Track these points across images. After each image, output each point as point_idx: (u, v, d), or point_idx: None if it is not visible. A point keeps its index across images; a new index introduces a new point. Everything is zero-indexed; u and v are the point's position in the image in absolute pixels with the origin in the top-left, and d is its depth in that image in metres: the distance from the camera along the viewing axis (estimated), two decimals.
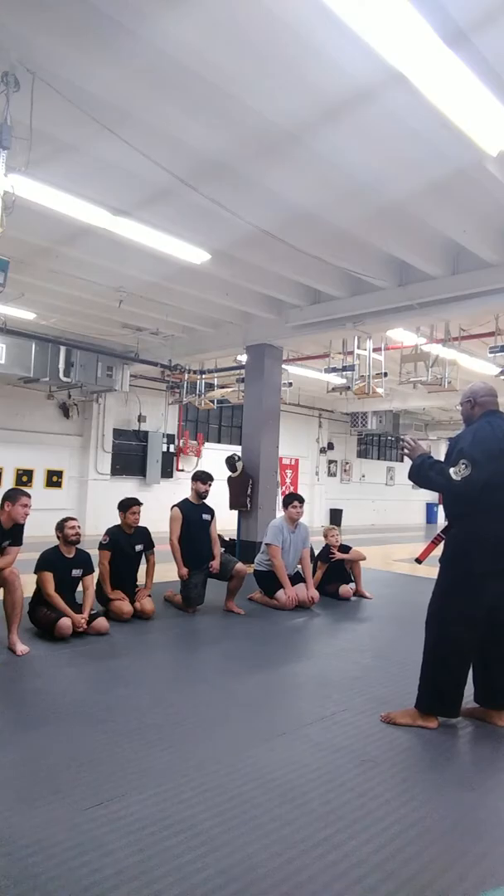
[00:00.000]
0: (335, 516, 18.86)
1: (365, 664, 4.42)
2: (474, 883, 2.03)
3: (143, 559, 5.67)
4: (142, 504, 5.65)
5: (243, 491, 9.68)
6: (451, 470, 3.10)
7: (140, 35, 3.60)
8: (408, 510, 22.68)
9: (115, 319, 10.23)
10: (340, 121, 4.39)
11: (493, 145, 4.22)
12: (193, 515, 5.91)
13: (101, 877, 1.97)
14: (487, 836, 2.32)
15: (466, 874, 2.08)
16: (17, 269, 6.63)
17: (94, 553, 5.21)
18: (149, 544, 5.64)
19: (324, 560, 6.85)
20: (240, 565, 5.90)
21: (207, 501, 6.09)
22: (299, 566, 6.44)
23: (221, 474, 8.73)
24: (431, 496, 22.29)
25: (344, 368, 10.56)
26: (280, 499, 7.93)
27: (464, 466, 3.05)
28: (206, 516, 5.98)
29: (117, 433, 14.15)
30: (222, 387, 13.31)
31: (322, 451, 19.39)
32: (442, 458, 3.33)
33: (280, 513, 6.86)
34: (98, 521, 11.66)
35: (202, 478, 6.02)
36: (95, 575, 5.13)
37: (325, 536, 6.99)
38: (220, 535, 6.20)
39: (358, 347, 10.11)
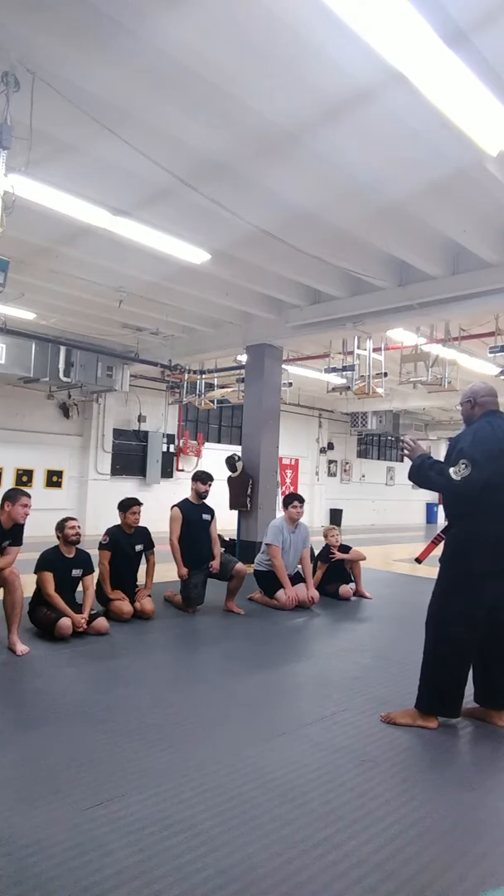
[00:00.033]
0: (335, 516, 18.86)
1: (365, 664, 4.42)
2: (474, 883, 2.03)
3: (143, 559, 5.67)
4: (142, 504, 5.65)
5: (243, 491, 9.68)
6: (451, 470, 3.10)
7: (140, 35, 3.60)
8: (408, 510, 22.68)
9: (115, 319, 10.23)
10: (340, 121, 4.39)
11: (493, 145, 4.22)
12: (193, 515, 5.91)
13: (101, 877, 1.97)
14: (487, 836, 2.32)
15: (466, 874, 2.08)
16: (17, 269, 6.63)
17: (94, 553, 5.21)
18: (149, 544, 5.64)
19: (324, 560, 6.85)
20: (240, 565, 5.90)
21: (207, 501, 6.09)
22: (299, 566, 6.44)
23: (221, 474, 8.73)
24: (431, 496, 22.30)
25: (344, 368, 10.56)
26: (280, 499, 7.93)
27: (464, 466, 3.05)
28: (206, 516, 5.98)
29: (117, 433, 14.15)
30: (222, 387, 13.31)
31: (322, 451, 19.39)
32: (442, 459, 3.33)
33: (280, 513, 6.86)
34: (98, 521, 11.66)
35: (202, 478, 6.02)
36: (95, 575, 5.13)
37: (325, 536, 6.99)
38: (220, 535, 6.20)
39: (358, 347, 10.11)
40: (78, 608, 4.79)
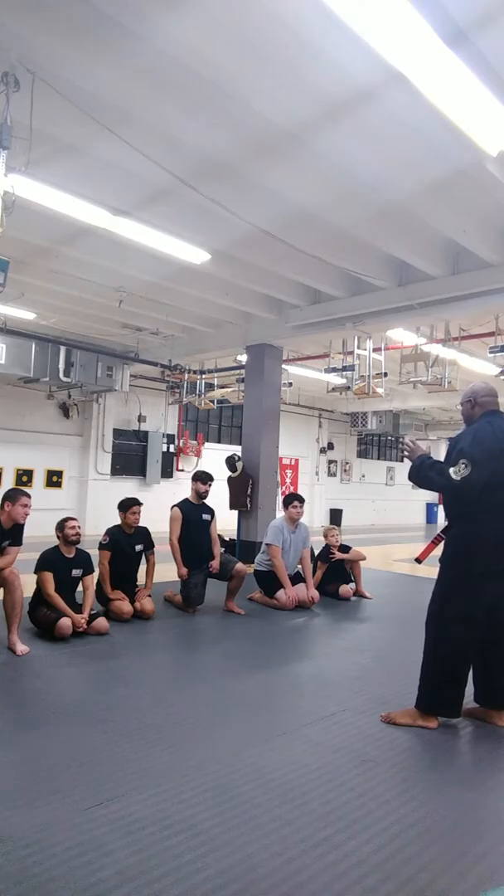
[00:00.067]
0: (335, 516, 18.87)
1: (365, 664, 4.42)
2: (474, 883, 2.03)
3: (143, 559, 5.67)
4: (142, 504, 5.65)
5: (243, 491, 9.68)
6: (451, 470, 3.10)
7: (140, 35, 3.60)
8: (408, 510, 22.68)
9: (115, 319, 10.23)
10: (341, 121, 4.39)
11: (493, 145, 4.22)
12: (193, 515, 5.91)
13: (101, 877, 1.97)
14: (487, 836, 2.32)
15: (466, 874, 2.08)
16: (17, 269, 6.63)
17: (94, 553, 5.21)
18: (149, 544, 5.64)
19: (324, 560, 6.85)
20: (240, 565, 5.90)
21: (207, 501, 6.09)
22: (299, 566, 6.44)
23: (221, 474, 8.73)
24: (431, 496, 22.30)
25: (344, 368, 10.56)
26: (280, 499, 7.93)
27: (463, 466, 3.05)
28: (206, 516, 5.98)
29: (117, 433, 14.15)
30: (222, 387, 13.31)
31: (322, 451, 19.39)
32: (442, 459, 3.33)
33: (280, 513, 6.86)
34: (98, 521, 11.66)
35: (202, 478, 6.02)
36: (95, 575, 5.13)
37: (325, 536, 6.99)
38: (220, 535, 6.20)
39: (358, 347, 10.11)
40: (78, 608, 4.79)
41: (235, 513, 9.89)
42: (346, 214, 5.93)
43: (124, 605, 5.27)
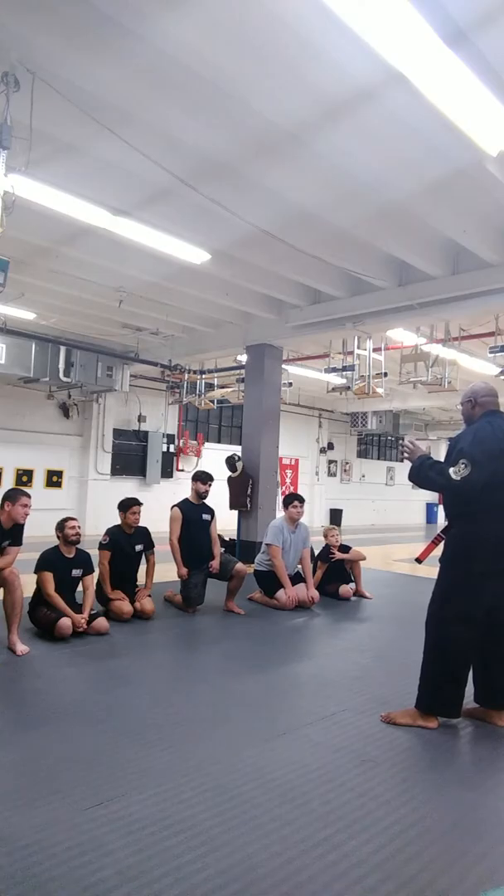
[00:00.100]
0: (335, 516, 18.87)
1: (365, 664, 4.42)
2: (474, 883, 2.03)
3: (143, 559, 5.67)
4: (142, 504, 5.65)
5: (243, 491, 9.68)
6: (451, 470, 3.10)
7: (140, 35, 3.60)
8: (408, 510, 22.68)
9: (115, 319, 10.23)
10: (340, 121, 4.39)
11: (493, 145, 4.21)
12: (193, 515, 5.91)
13: (101, 877, 1.97)
14: (487, 836, 2.32)
15: (466, 874, 2.08)
16: (17, 269, 6.63)
17: (94, 553, 5.21)
18: (149, 544, 5.64)
19: (324, 560, 6.85)
20: (240, 565, 5.90)
21: (207, 501, 6.09)
22: (299, 566, 6.44)
23: (221, 474, 8.73)
24: (431, 496, 22.30)
25: (344, 368, 10.56)
26: (280, 499, 7.93)
27: (463, 466, 3.05)
28: (206, 516, 5.98)
29: (117, 433, 14.15)
30: (222, 387, 13.31)
31: (322, 451, 19.39)
32: (442, 459, 3.33)
33: (280, 513, 6.86)
34: (98, 521, 11.66)
35: (202, 478, 6.02)
36: (95, 575, 5.13)
37: (325, 536, 6.99)
38: (220, 535, 6.20)
39: (358, 347, 10.11)
40: (78, 608, 4.79)
41: (235, 513, 9.89)
42: (346, 214, 5.93)
43: (124, 605, 5.27)
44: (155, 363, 11.86)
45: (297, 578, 6.35)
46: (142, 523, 5.63)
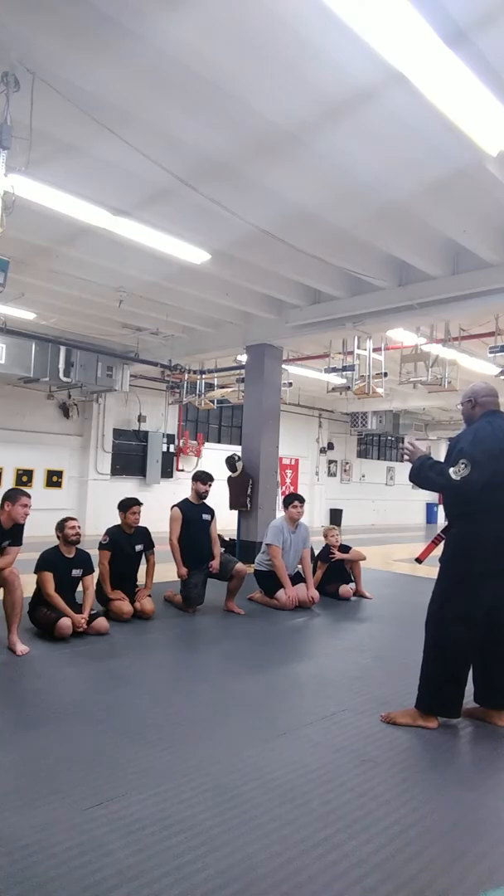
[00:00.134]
0: (335, 516, 18.86)
1: (365, 664, 4.42)
2: (474, 883, 2.03)
3: (143, 559, 5.67)
4: (142, 504, 5.65)
5: (243, 491, 9.68)
6: (451, 470, 3.10)
7: (140, 35, 3.60)
8: (408, 510, 22.68)
9: (115, 319, 10.23)
10: (340, 121, 4.39)
11: (493, 145, 4.22)
12: (193, 515, 5.91)
13: (101, 877, 1.97)
14: (487, 836, 2.32)
15: (466, 874, 2.08)
16: (17, 269, 6.63)
17: (94, 553, 5.21)
18: (149, 544, 5.64)
19: (324, 560, 6.85)
20: (240, 565, 5.90)
21: (207, 501, 6.09)
22: (299, 566, 6.44)
23: (221, 474, 8.73)
24: (431, 496, 22.30)
25: (344, 368, 10.56)
26: (280, 499, 7.93)
27: (463, 466, 3.06)
28: (206, 516, 5.98)
29: (117, 433, 14.15)
30: (222, 387, 13.31)
31: (322, 451, 19.39)
32: (442, 459, 3.33)
33: (280, 513, 6.86)
34: (98, 521, 11.66)
35: (202, 478, 6.02)
36: (95, 575, 5.13)
37: (325, 536, 6.99)
38: (220, 535, 6.20)
39: (358, 347, 10.11)
40: (78, 608, 4.79)
41: (235, 513, 9.89)
42: (346, 214, 5.93)
43: (124, 605, 5.27)
44: (155, 363, 11.86)
45: (297, 578, 6.35)
46: (142, 523, 5.63)
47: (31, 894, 1.88)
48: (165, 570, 6.13)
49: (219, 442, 16.78)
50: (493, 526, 3.16)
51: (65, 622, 4.56)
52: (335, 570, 6.84)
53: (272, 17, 3.42)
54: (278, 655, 4.62)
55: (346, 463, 20.57)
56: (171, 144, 4.78)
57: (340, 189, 5.43)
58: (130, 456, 14.40)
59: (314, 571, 6.71)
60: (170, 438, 15.12)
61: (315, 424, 19.11)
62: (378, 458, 22.34)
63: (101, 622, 4.82)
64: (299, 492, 12.02)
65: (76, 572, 4.91)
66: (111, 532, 5.53)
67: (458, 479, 3.05)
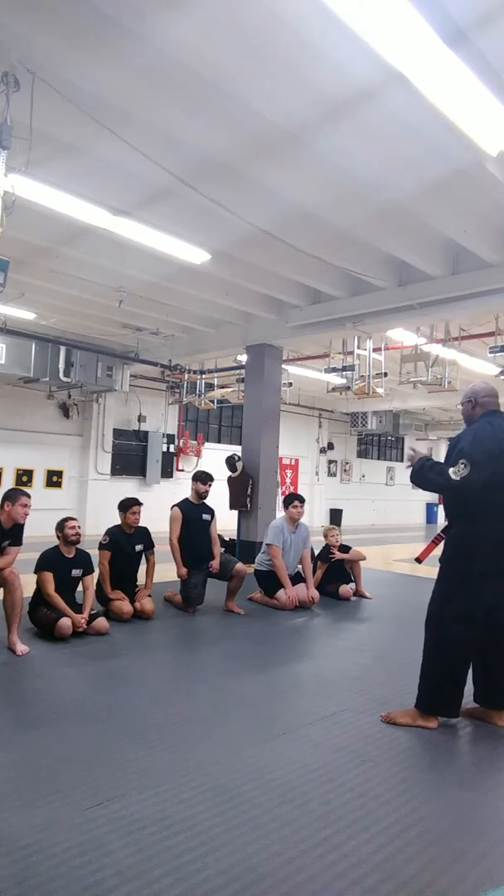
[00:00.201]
0: (335, 516, 18.86)
1: (365, 664, 4.42)
2: (474, 883, 2.03)
3: (143, 559, 5.67)
4: (142, 504, 5.65)
5: (243, 491, 9.68)
6: (451, 470, 3.10)
7: (140, 35, 3.60)
8: (408, 510, 22.68)
9: (115, 319, 10.23)
10: (340, 121, 4.39)
11: (493, 145, 4.21)
12: (193, 515, 5.91)
13: (101, 877, 1.97)
14: (487, 836, 2.32)
15: (466, 874, 2.08)
16: (17, 269, 6.63)
17: (94, 553, 5.21)
18: (149, 544, 5.64)
19: (324, 560, 6.85)
20: (240, 565, 5.90)
21: (207, 501, 6.09)
22: (300, 566, 6.44)
23: (221, 474, 8.73)
24: (431, 496, 22.30)
25: (344, 368, 10.56)
26: (280, 499, 7.93)
27: (463, 466, 3.06)
28: (206, 516, 5.98)
29: (117, 433, 14.15)
30: (222, 387, 13.31)
31: (322, 451, 19.39)
32: (442, 459, 3.33)
33: (280, 513, 6.86)
34: (98, 521, 11.66)
35: (202, 478, 6.02)
36: (95, 575, 5.13)
37: (325, 536, 6.99)
38: (220, 535, 6.20)
39: (358, 347, 10.11)
40: (78, 608, 4.79)
41: (235, 513, 9.89)
42: (346, 214, 5.93)
43: (124, 605, 5.27)
44: (155, 363, 11.86)
45: (297, 578, 6.35)
46: (142, 523, 5.63)
47: (31, 894, 1.88)
48: (165, 570, 6.13)
49: (219, 442, 16.77)
50: (493, 526, 3.16)
51: (65, 622, 4.56)
52: (335, 570, 6.84)
53: (272, 17, 3.42)
54: (278, 655, 4.62)
55: (346, 463, 20.57)
56: (171, 144, 4.78)
57: (340, 189, 5.43)
58: (130, 456, 14.40)
59: (314, 571, 6.71)
60: (170, 438, 15.12)
61: (315, 424, 19.11)
62: (378, 458, 22.33)
63: (101, 622, 4.82)
64: (299, 492, 12.02)
65: (76, 572, 4.91)
66: (111, 532, 5.54)
67: (458, 479, 3.06)
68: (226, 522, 8.27)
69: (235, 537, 9.71)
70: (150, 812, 2.35)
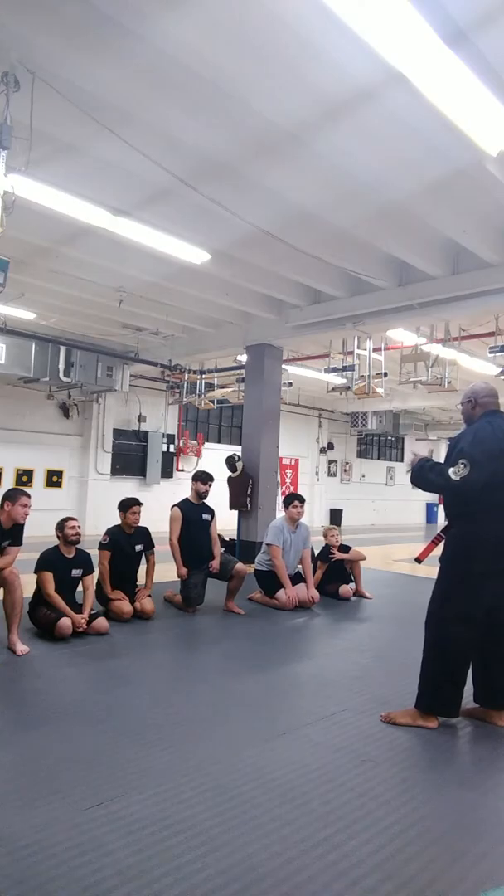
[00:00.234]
0: (335, 516, 18.86)
1: (365, 664, 4.42)
2: (474, 883, 2.03)
3: (143, 559, 5.67)
4: (142, 504, 5.65)
5: (243, 491, 9.68)
6: (451, 470, 3.10)
7: (140, 35, 3.60)
8: (408, 510, 22.68)
9: (115, 319, 10.23)
10: (340, 121, 4.39)
11: (493, 145, 4.21)
12: (193, 515, 5.91)
13: (101, 877, 1.97)
14: (487, 836, 2.32)
15: (466, 874, 2.08)
16: (17, 269, 6.63)
17: (94, 553, 5.21)
18: (149, 544, 5.64)
19: (324, 560, 6.85)
20: (240, 565, 5.90)
21: (207, 501, 6.09)
22: (300, 566, 6.44)
23: (221, 474, 8.73)
24: (431, 496, 22.29)
25: (344, 368, 10.56)
26: (280, 499, 7.93)
27: (463, 466, 3.06)
28: (206, 516, 5.98)
29: (117, 433, 14.15)
30: (222, 387, 13.31)
31: (322, 451, 19.39)
32: (443, 459, 3.33)
33: (280, 513, 6.86)
34: (98, 521, 11.66)
35: (202, 478, 6.02)
36: (95, 575, 5.13)
37: (325, 536, 6.99)
38: (220, 535, 6.20)
39: (358, 347, 10.11)
40: (78, 608, 4.79)
41: (235, 513, 9.89)
42: (346, 214, 5.93)
43: (124, 605, 5.27)
44: (155, 363, 11.86)
45: (297, 578, 6.35)
46: (142, 523, 5.63)
47: (31, 894, 1.88)
48: (165, 570, 6.13)
49: (219, 442, 16.77)
50: (493, 526, 3.16)
51: (65, 622, 4.56)
52: (335, 570, 6.84)
53: (272, 17, 3.42)
54: (278, 655, 4.62)
55: (346, 463, 20.57)
56: (171, 144, 4.78)
57: (340, 189, 5.43)
58: (130, 456, 14.40)
59: (314, 571, 6.71)
60: (170, 438, 15.12)
61: (315, 424, 19.11)
62: (378, 458, 22.34)
63: (101, 622, 4.83)
64: (299, 492, 12.02)
65: (76, 572, 4.91)
66: (111, 532, 5.54)
67: (458, 479, 3.06)
68: (226, 522, 8.27)
69: (235, 537, 9.71)
70: (150, 812, 2.35)
